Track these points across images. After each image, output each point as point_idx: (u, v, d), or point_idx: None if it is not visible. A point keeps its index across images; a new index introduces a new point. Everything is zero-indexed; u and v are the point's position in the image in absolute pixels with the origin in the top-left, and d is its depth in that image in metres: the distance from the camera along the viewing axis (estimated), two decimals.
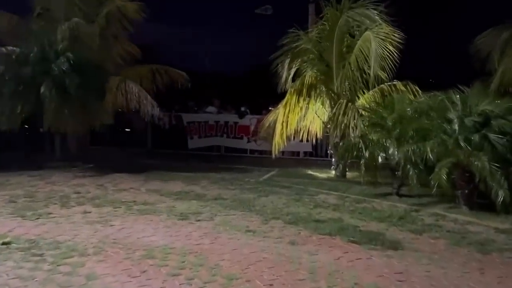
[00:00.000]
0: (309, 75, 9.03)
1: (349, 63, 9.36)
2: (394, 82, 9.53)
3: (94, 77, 10.22)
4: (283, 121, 8.84)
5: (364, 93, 9.74)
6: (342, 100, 8.72)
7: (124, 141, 14.57)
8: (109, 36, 11.78)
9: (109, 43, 11.71)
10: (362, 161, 7.39)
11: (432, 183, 6.51)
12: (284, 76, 10.73)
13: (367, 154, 7.39)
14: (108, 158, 11.88)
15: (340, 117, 8.50)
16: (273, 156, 9.24)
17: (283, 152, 11.55)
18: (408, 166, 6.97)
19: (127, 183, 8.83)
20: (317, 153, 13.08)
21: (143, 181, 9.09)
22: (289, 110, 8.87)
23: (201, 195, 7.83)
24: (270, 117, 11.00)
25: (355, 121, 8.17)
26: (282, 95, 10.87)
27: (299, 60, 10.49)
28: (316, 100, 9.50)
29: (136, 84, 10.38)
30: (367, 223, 6.26)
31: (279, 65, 10.78)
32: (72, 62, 9.69)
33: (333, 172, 10.37)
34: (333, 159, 10.28)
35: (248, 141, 13.45)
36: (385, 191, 8.05)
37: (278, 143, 8.95)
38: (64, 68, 9.59)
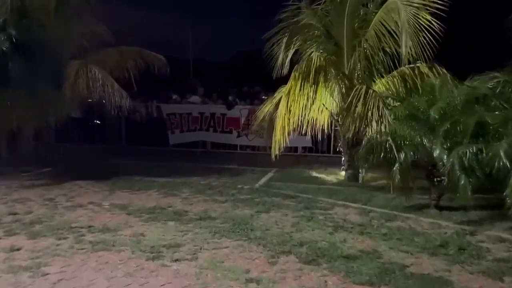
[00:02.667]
0: (316, 56, 7.05)
1: (366, 40, 7.39)
2: (417, 64, 7.58)
3: (47, 60, 8.08)
4: (285, 114, 6.86)
5: (382, 77, 7.78)
6: (359, 86, 6.77)
7: (94, 137, 12.45)
8: (69, 12, 9.56)
9: (68, 20, 9.50)
10: (396, 166, 5.46)
11: (508, 198, 4.61)
12: (280, 58, 8.72)
13: (402, 157, 5.46)
14: (71, 159, 9.76)
15: (357, 107, 6.55)
16: (273, 157, 7.25)
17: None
18: (459, 173, 5.06)
19: (87, 195, 6.78)
20: (317, 148, 11.17)
21: (108, 191, 7.05)
22: (292, 100, 6.88)
23: (182, 212, 5.83)
24: (265, 108, 9.04)
25: (379, 112, 6.23)
26: (277, 81, 8.95)
27: (300, 38, 8.50)
28: (324, 86, 7.51)
29: (101, 69, 8.27)
30: (415, 258, 4.36)
31: (275, 45, 8.81)
32: (15, 40, 7.54)
33: (343, 173, 8.47)
34: (343, 158, 8.36)
35: (238, 136, 11.43)
36: (418, 202, 6.18)
37: (279, 141, 6.98)
38: (4, 49, 7.43)
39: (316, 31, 8.14)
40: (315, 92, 7.09)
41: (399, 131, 5.86)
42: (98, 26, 10.49)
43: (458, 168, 4.96)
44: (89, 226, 5.16)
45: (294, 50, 8.72)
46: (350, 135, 7.85)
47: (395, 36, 7.19)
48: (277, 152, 7.07)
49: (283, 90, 8.30)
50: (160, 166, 9.57)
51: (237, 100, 12.22)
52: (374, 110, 6.29)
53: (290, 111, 6.88)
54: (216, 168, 9.33)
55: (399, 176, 5.43)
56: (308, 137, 9.95)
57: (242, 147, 11.65)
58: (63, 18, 9.28)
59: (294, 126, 7.16)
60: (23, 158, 9.41)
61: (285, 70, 8.93)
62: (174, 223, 5.38)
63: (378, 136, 6.05)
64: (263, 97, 11.89)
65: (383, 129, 6.09)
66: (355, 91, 6.70)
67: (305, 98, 7.00)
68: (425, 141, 5.50)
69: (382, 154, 5.84)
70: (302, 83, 6.79)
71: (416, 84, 7.24)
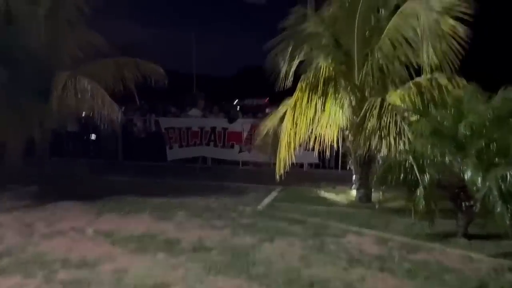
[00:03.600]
0: (325, 66, 6.32)
1: (380, 48, 6.68)
2: (434, 75, 6.84)
3: (34, 71, 7.42)
4: (290, 128, 6.11)
5: (396, 88, 7.05)
6: (373, 98, 6.03)
7: (89, 151, 11.77)
8: (61, 21, 8.94)
9: (60, 30, 8.88)
10: (420, 189, 4.69)
11: None
12: (283, 70, 8.06)
13: (426, 179, 4.70)
14: (62, 175, 9.03)
15: (371, 121, 5.80)
16: (277, 177, 6.47)
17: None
18: (496, 199, 4.29)
19: (70, 219, 6.03)
20: (324, 164, 10.41)
21: (95, 214, 6.30)
22: (299, 113, 6.14)
23: (174, 241, 5.07)
24: (269, 122, 8.34)
25: (397, 128, 5.48)
26: (280, 94, 8.28)
27: (306, 48, 7.82)
28: (334, 98, 6.77)
29: (92, 81, 7.57)
30: None
31: (278, 56, 8.14)
32: None
33: (354, 193, 7.69)
34: (354, 177, 7.58)
35: (240, 151, 10.69)
36: (442, 229, 5.38)
37: (284, 159, 6.22)
38: None
39: (324, 40, 7.45)
40: (324, 104, 6.35)
41: (421, 149, 5.09)
42: (94, 37, 9.87)
43: (496, 194, 4.18)
44: (65, 260, 4.41)
45: (299, 60, 8.07)
46: (362, 152, 7.10)
47: (411, 44, 6.49)
48: (282, 171, 6.29)
49: (289, 102, 7.61)
50: (157, 183, 8.84)
51: (239, 113, 11.54)
52: (391, 125, 5.54)
53: (296, 125, 6.14)
54: (216, 186, 8.58)
55: (423, 202, 4.65)
56: (315, 153, 9.23)
57: (244, 163, 10.91)
58: (54, 27, 8.66)
59: (300, 141, 6.40)
60: (10, 174, 8.67)
61: (289, 82, 8.31)
62: (164, 255, 4.62)
63: (396, 154, 5.29)
64: (266, 110, 11.24)
65: (402, 147, 5.32)
66: (368, 104, 5.96)
67: (313, 111, 6.26)
68: (452, 160, 4.74)
69: (402, 175, 5.06)
70: (310, 95, 6.06)
71: (434, 97, 6.53)
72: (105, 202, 6.93)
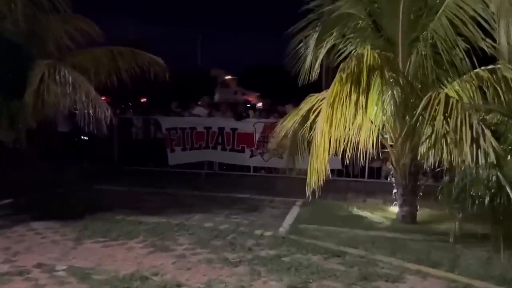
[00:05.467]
0: (369, 51, 4.83)
1: (435, 31, 5.19)
2: (496, 66, 5.33)
3: (7, 61, 5.99)
4: (327, 131, 4.60)
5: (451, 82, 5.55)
6: (435, 93, 4.54)
7: (82, 155, 10.31)
8: (44, 4, 7.49)
9: (42, 14, 7.44)
10: None
11: None
12: (308, 59, 6.65)
13: None
14: (46, 184, 7.60)
15: (435, 122, 4.31)
16: (308, 194, 4.96)
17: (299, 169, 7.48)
18: None
19: (40, 249, 4.59)
20: (348, 172, 8.91)
21: (73, 240, 4.85)
22: (337, 111, 4.64)
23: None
24: (288, 122, 6.89)
25: (472, 132, 3.99)
26: (301, 91, 6.89)
27: (336, 33, 6.36)
28: (375, 93, 5.28)
29: (73, 71, 6.12)
30: None
31: (302, 43, 6.72)
32: None
33: (393, 209, 6.23)
34: (395, 190, 6.10)
35: (252, 155, 9.21)
36: None
37: (319, 170, 4.71)
38: None
39: (360, 22, 5.98)
40: (366, 100, 4.85)
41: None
42: (84, 23, 8.44)
43: None
44: None
45: (327, 48, 6.62)
46: (409, 161, 5.64)
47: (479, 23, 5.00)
48: (315, 184, 4.80)
49: (319, 97, 6.15)
50: (155, 194, 7.43)
51: (250, 111, 10.08)
52: (464, 128, 4.05)
53: (333, 126, 4.65)
54: (225, 199, 7.15)
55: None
56: (338, 158, 7.77)
57: (256, 169, 9.43)
58: (32, 11, 7.23)
59: (338, 146, 4.89)
60: None
61: (315, 75, 6.89)
62: None
63: (475, 168, 3.81)
64: (281, 107, 9.78)
65: (482, 158, 3.83)
66: (428, 101, 4.46)
67: (353, 109, 4.77)
68: None
69: (487, 197, 3.59)
70: (350, 88, 4.58)
71: (498, 92, 5.05)
72: (88, 222, 5.49)
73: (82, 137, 10.51)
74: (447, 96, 4.43)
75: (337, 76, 4.65)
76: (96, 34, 8.49)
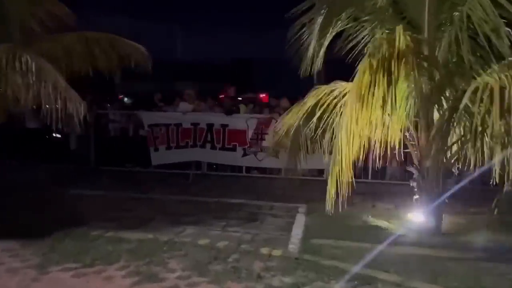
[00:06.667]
0: (402, 33, 3.92)
1: (471, 9, 4.35)
2: None
3: None
4: (353, 131, 3.67)
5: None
6: (478, 83, 3.70)
7: (54, 155, 9.16)
8: None
9: None
10: None
11: None
12: (311, 47, 5.80)
13: None
14: (8, 189, 6.47)
15: (485, 120, 3.48)
16: (330, 207, 4.05)
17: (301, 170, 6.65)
18: None
19: None
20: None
21: (36, 268, 3.83)
22: (365, 105, 3.71)
23: None
24: (289, 119, 6.04)
25: None
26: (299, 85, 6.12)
27: (346, 15, 5.48)
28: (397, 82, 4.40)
29: (40, 59, 5.03)
30: None
31: (305, 28, 5.86)
32: None
33: (411, 217, 5.39)
34: (417, 196, 5.26)
35: (245, 154, 8.28)
36: None
37: (344, 173, 3.77)
38: None
39: (379, 1, 5.09)
40: (394, 91, 3.95)
41: None
42: (56, 6, 7.35)
43: None
44: None
45: (335, 33, 5.75)
46: (436, 163, 4.80)
47: None
48: (345, 193, 3.88)
49: (325, 90, 5.31)
50: (136, 200, 6.46)
51: (241, 105, 9.10)
52: None
53: (359, 123, 3.74)
54: (218, 205, 6.23)
55: None
56: None
57: (249, 169, 8.50)
58: None
59: (363, 147, 3.99)
60: None
61: (318, 65, 6.06)
62: None
63: None
64: (279, 103, 8.86)
65: None
66: (474, 91, 3.62)
67: (380, 102, 3.87)
68: None
69: None
70: (382, 77, 3.69)
71: None
72: (58, 240, 4.48)
73: (55, 134, 9.37)
74: (502, 89, 3.57)
75: (366, 62, 3.75)
76: (69, 19, 7.42)
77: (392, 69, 3.76)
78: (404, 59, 3.91)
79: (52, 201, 6.12)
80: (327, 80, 5.84)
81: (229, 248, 4.37)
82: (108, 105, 10.17)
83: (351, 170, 3.84)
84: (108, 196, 6.68)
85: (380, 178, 7.81)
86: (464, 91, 3.98)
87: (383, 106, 3.85)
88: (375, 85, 3.76)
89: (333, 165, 3.96)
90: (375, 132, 4.04)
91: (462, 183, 4.82)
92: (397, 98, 4.20)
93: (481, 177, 4.90)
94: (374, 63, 3.68)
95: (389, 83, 3.75)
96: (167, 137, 8.40)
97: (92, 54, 7.06)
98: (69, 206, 5.91)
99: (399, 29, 3.91)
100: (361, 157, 4.00)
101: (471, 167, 4.28)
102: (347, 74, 4.88)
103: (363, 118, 3.72)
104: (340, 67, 5.50)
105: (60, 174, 7.99)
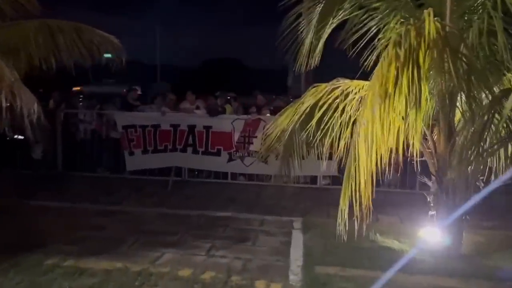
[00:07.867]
0: (431, 21, 3.16)
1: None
2: None
3: None
4: (377, 135, 2.89)
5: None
6: None
7: (16, 158, 8.14)
8: None
9: None
10: None
11: None
12: (308, 40, 5.07)
13: None
14: None
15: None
16: (341, 228, 3.27)
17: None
18: None
19: None
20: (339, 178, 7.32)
21: None
22: (390, 104, 2.94)
23: None
24: (282, 121, 5.30)
25: None
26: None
27: (350, 3, 4.72)
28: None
29: None
30: None
31: (302, 19, 5.13)
32: None
33: (424, 235, 4.66)
34: (433, 212, 4.53)
35: (230, 159, 7.45)
36: None
37: (367, 182, 2.99)
38: None
39: None
40: (420, 87, 3.18)
41: None
42: None
43: None
44: None
45: (335, 25, 5.01)
46: (460, 174, 4.08)
47: None
48: (367, 203, 3.11)
49: (327, 88, 4.57)
50: (106, 214, 5.55)
51: (227, 106, 8.25)
52: None
53: (382, 127, 2.96)
54: (201, 220, 5.38)
55: None
56: (333, 162, 6.12)
57: (234, 176, 7.68)
58: None
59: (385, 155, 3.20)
60: None
61: (317, 60, 5.33)
62: None
63: None
64: (266, 106, 8.09)
65: None
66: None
67: (403, 100, 3.09)
68: None
69: None
70: (411, 71, 2.92)
71: None
72: (6, 271, 3.56)
73: (16, 136, 8.34)
74: None
75: (391, 52, 2.97)
76: (32, 6, 6.43)
77: (420, 61, 2.99)
78: (435, 49, 3.15)
79: (4, 217, 5.16)
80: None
81: (217, 280, 3.53)
82: (81, 103, 9.19)
83: (371, 186, 3.06)
84: (75, 209, 5.79)
85: (376, 185, 7.12)
86: (504, 91, 3.26)
87: (407, 105, 3.08)
88: (408, 80, 2.99)
89: (346, 179, 3.18)
90: (398, 137, 3.27)
91: (486, 196, 4.11)
92: (424, 95, 3.46)
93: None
94: (401, 54, 2.90)
95: (419, 78, 2.98)
96: (144, 140, 7.49)
97: (56, 44, 6.12)
98: (26, 223, 4.98)
99: (428, 13, 3.14)
100: (380, 168, 3.23)
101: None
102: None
103: (388, 121, 2.94)
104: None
105: (21, 180, 7.04)
